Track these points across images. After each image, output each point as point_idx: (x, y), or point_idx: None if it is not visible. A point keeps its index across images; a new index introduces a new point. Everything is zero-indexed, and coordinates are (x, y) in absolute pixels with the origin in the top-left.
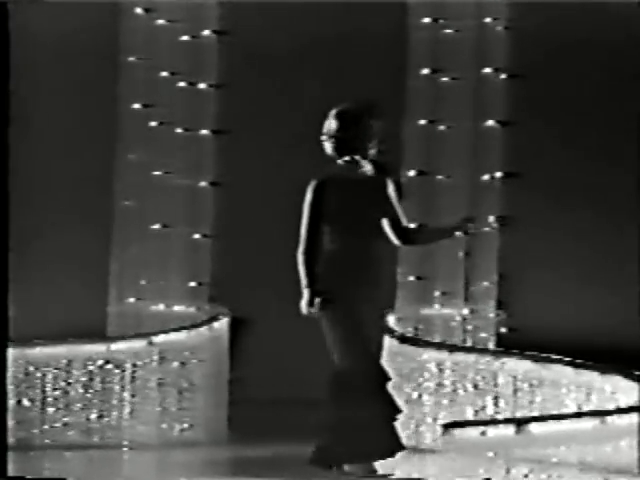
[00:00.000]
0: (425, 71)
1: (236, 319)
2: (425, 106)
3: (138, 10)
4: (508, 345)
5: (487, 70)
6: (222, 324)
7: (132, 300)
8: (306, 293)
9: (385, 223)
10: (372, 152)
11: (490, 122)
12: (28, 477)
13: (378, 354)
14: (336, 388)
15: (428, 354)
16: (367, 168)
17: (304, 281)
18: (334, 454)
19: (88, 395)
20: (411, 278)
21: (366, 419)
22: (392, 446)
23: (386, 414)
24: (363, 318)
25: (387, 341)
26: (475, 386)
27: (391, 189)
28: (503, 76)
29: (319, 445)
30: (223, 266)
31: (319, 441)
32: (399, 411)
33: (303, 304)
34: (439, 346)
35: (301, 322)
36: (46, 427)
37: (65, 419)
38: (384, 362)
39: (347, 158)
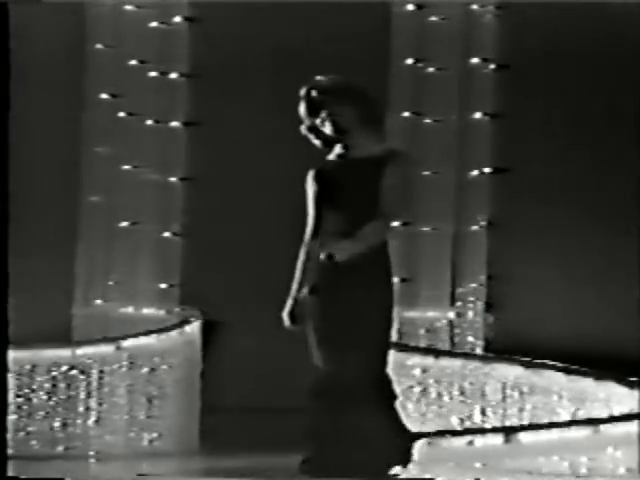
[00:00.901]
0: (409, 61)
1: (209, 322)
2: (409, 98)
3: None
4: (497, 350)
5: (475, 60)
6: (194, 328)
7: (99, 302)
8: (289, 303)
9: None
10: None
11: (478, 115)
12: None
13: (378, 361)
14: (321, 395)
15: (412, 359)
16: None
17: (294, 285)
18: (326, 465)
19: (52, 402)
20: (395, 279)
21: (359, 429)
22: (391, 461)
23: (387, 428)
24: (359, 320)
25: None
26: (462, 393)
27: (392, 172)
28: (492, 66)
29: (309, 455)
30: (195, 266)
31: (309, 451)
32: (404, 429)
33: (285, 315)
34: (424, 351)
35: (278, 326)
36: (8, 436)
37: (28, 428)
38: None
39: (338, 150)
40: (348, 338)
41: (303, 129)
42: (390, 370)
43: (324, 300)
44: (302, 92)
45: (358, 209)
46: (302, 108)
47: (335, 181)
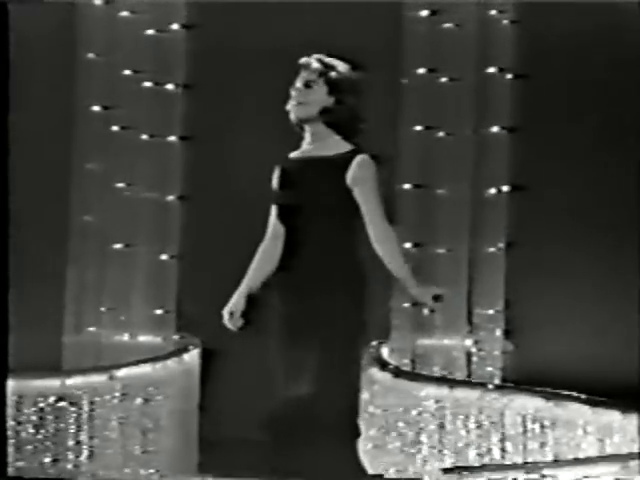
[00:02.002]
0: (421, 70)
1: (208, 350)
2: (422, 110)
3: (97, 1)
4: (516, 380)
5: (491, 70)
6: (192, 356)
7: (91, 329)
8: (235, 300)
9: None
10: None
11: (495, 128)
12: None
13: (349, 388)
14: (276, 425)
15: (426, 390)
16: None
17: (244, 282)
18: None
19: (40, 436)
20: (406, 304)
21: (314, 467)
22: None
23: (343, 468)
24: (325, 337)
25: (380, 375)
26: (479, 426)
27: (354, 172)
28: (509, 76)
29: None
30: (193, 291)
31: None
32: (363, 472)
33: (225, 312)
34: (439, 381)
35: None
36: None
37: (15, 464)
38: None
39: (303, 147)
40: (310, 355)
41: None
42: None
43: (282, 308)
44: (303, 60)
45: (312, 213)
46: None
47: (293, 181)
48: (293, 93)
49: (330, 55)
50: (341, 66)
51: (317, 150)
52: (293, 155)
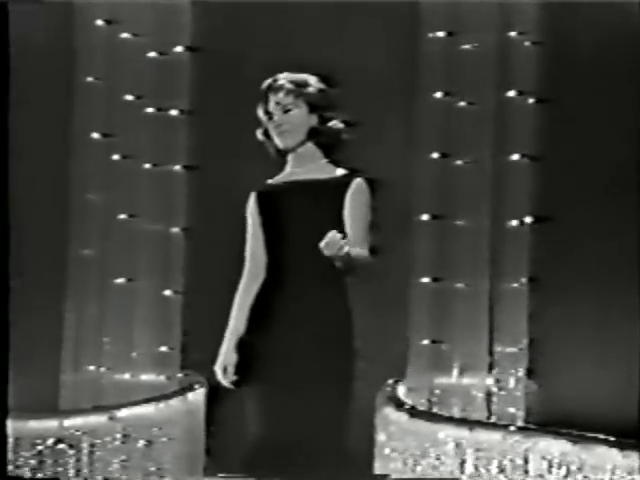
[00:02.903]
0: (438, 94)
1: (214, 389)
2: (438, 136)
3: (98, 22)
4: (540, 422)
5: (511, 93)
6: (197, 395)
7: (90, 367)
8: (223, 352)
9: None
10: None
11: (516, 156)
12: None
13: (333, 426)
14: (253, 468)
15: (445, 432)
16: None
17: (227, 334)
18: None
19: None
20: (424, 341)
21: None
22: None
23: None
24: (310, 370)
25: (396, 416)
26: (502, 470)
27: (352, 196)
28: (531, 100)
29: None
30: (198, 327)
31: None
32: None
33: (217, 368)
34: (458, 422)
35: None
36: None
37: None
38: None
39: (287, 170)
40: (295, 393)
41: (260, 134)
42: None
43: (263, 348)
44: (270, 83)
45: (304, 244)
46: (271, 101)
47: (279, 207)
48: (271, 122)
49: (298, 71)
50: (312, 80)
51: (307, 173)
52: (275, 180)
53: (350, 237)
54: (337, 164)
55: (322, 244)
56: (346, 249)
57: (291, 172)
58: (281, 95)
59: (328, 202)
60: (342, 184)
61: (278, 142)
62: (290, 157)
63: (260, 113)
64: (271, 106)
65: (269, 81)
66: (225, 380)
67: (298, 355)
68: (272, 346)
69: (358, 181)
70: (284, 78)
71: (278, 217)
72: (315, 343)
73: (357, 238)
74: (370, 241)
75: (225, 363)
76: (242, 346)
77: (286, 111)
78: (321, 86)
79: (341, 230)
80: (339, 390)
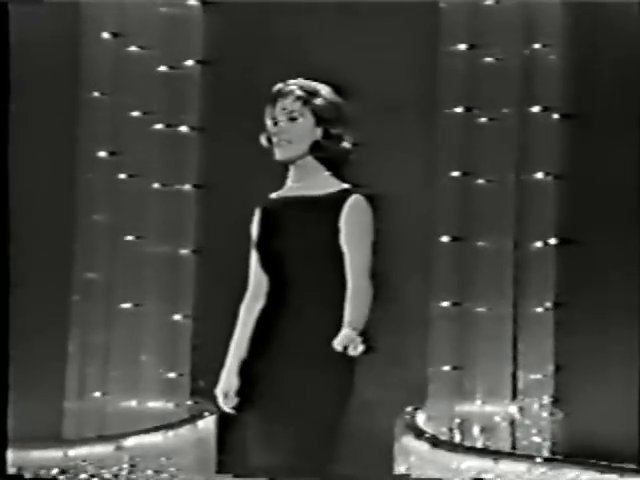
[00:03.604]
0: (458, 109)
1: (225, 417)
2: (459, 153)
3: (104, 35)
4: (566, 452)
5: (535, 109)
6: (208, 423)
7: (96, 394)
8: (224, 372)
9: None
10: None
11: (540, 175)
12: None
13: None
14: None
15: (467, 462)
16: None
17: (229, 358)
18: None
19: None
20: (445, 367)
21: None
22: None
23: None
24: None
25: (416, 445)
26: None
27: (347, 216)
28: (555, 116)
29: None
30: (208, 352)
31: None
32: None
33: (218, 392)
34: (481, 452)
35: None
36: None
37: None
38: None
39: (288, 184)
40: (295, 417)
41: (264, 139)
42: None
43: (263, 371)
44: (281, 87)
45: (301, 264)
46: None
47: (277, 224)
48: (274, 128)
49: (309, 79)
50: (324, 90)
51: (305, 189)
52: (276, 195)
53: (348, 262)
54: (342, 178)
55: (336, 343)
56: (361, 348)
57: (290, 187)
58: (289, 100)
59: (322, 221)
60: (337, 200)
61: (276, 152)
62: (291, 170)
63: (266, 117)
64: (277, 111)
65: (280, 85)
66: (226, 405)
67: (298, 376)
68: (272, 368)
69: (355, 198)
70: (295, 83)
71: (275, 234)
72: (317, 363)
73: (356, 268)
74: (371, 268)
75: (226, 388)
76: (244, 370)
77: (291, 119)
78: (332, 98)
79: (339, 252)
80: (340, 409)
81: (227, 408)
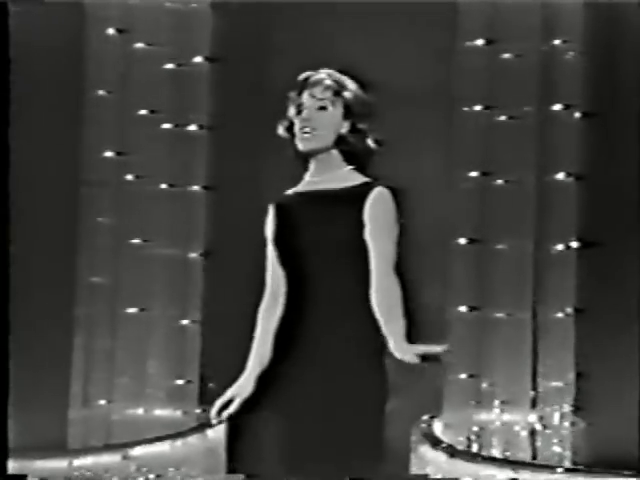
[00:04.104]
0: (477, 107)
1: (235, 426)
2: (476, 154)
3: (110, 30)
4: (588, 462)
5: (556, 107)
6: (217, 432)
7: (101, 402)
8: (242, 377)
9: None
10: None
11: (561, 175)
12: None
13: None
14: None
15: (486, 472)
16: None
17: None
18: None
19: None
20: (462, 375)
21: None
22: None
23: None
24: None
25: (432, 455)
26: None
27: (371, 209)
28: (577, 115)
29: None
30: (217, 358)
31: None
32: None
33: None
34: (500, 462)
35: None
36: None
37: None
38: None
39: (307, 178)
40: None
41: (282, 129)
42: None
43: (285, 376)
44: (309, 75)
45: (322, 259)
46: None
47: (296, 221)
48: (299, 117)
49: (339, 71)
50: (352, 84)
51: (324, 183)
52: (294, 190)
53: (372, 257)
54: (364, 172)
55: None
56: (441, 348)
57: (309, 181)
58: (319, 89)
59: (344, 215)
60: (360, 194)
61: (299, 142)
62: (312, 163)
63: (290, 105)
64: (304, 98)
65: (308, 73)
66: (217, 413)
67: (326, 381)
68: (296, 372)
69: (379, 190)
70: (325, 73)
71: (294, 231)
72: (344, 365)
73: (382, 263)
74: (396, 261)
75: (236, 393)
76: (263, 377)
77: (321, 107)
78: (360, 92)
79: (362, 247)
80: (372, 414)
81: (215, 418)
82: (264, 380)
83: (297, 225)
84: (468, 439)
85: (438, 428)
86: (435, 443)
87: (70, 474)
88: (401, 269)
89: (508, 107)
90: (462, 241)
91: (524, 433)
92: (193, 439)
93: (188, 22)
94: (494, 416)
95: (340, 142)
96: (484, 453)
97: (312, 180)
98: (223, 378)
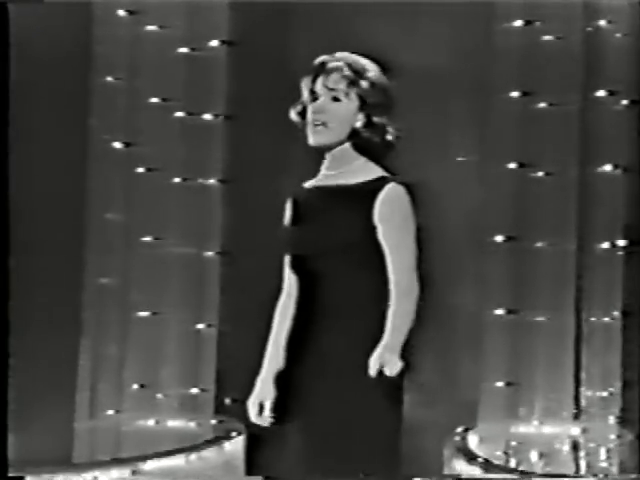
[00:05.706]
0: (514, 94)
1: (254, 437)
2: (514, 144)
3: (120, 12)
4: (637, 477)
5: (601, 93)
6: (235, 444)
7: (110, 412)
8: (259, 381)
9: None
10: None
11: (607, 167)
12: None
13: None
14: None
15: None
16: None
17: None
18: None
19: None
20: (499, 384)
21: None
22: None
23: None
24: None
25: (467, 469)
26: None
27: (382, 209)
28: (624, 102)
29: None
30: (235, 366)
31: None
32: None
33: (250, 404)
34: (540, 477)
35: None
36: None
37: None
38: None
39: (323, 171)
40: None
41: (294, 113)
42: None
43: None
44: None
45: (333, 256)
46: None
47: (308, 216)
48: (312, 105)
49: (356, 54)
50: (372, 70)
51: (339, 177)
52: (309, 184)
53: (389, 259)
54: (381, 164)
55: (370, 367)
56: (398, 367)
57: (324, 174)
58: (334, 78)
59: (355, 212)
60: (371, 191)
61: (309, 135)
62: (326, 157)
63: (303, 88)
64: (317, 87)
65: (323, 58)
66: (260, 419)
67: (337, 388)
68: (308, 377)
69: (390, 187)
70: (342, 59)
71: (306, 227)
72: (356, 371)
73: (398, 266)
74: (415, 264)
75: (261, 398)
76: (281, 379)
77: (334, 99)
78: (380, 79)
79: (376, 247)
80: (388, 416)
81: (262, 422)
82: (282, 382)
83: (308, 221)
84: (505, 453)
85: (473, 441)
86: (470, 457)
87: None
88: (421, 270)
89: (548, 93)
90: (498, 239)
91: (566, 447)
92: (209, 452)
93: (204, 3)
94: (533, 428)
95: (354, 136)
96: (523, 468)
97: (327, 174)
98: (241, 386)
